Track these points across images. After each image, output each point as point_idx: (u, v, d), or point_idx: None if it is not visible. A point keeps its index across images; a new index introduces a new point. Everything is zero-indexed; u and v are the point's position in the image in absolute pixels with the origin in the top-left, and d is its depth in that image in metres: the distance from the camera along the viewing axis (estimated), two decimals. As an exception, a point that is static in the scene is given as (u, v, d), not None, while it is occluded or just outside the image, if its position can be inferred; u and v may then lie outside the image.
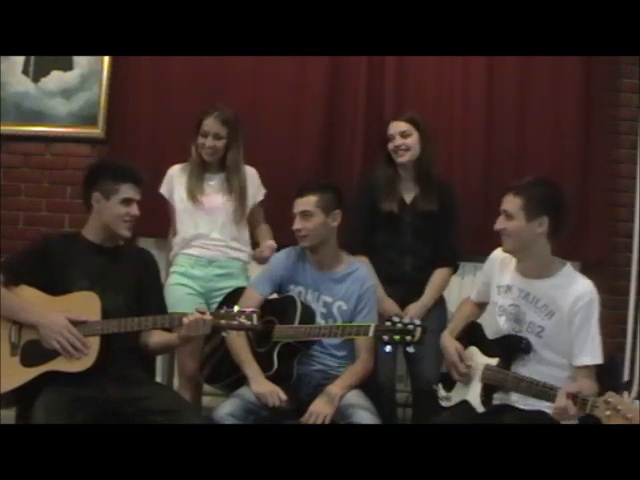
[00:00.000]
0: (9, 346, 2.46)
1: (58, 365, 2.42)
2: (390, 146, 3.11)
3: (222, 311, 2.46)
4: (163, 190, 3.19)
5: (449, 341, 2.56)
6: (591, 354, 2.30)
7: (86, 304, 2.47)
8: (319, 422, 2.55)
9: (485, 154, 3.62)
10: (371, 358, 2.74)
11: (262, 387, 2.61)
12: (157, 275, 2.71)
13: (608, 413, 1.98)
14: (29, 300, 2.49)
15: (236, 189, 3.10)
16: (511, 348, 2.42)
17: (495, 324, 2.51)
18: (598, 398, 2.05)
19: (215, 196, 3.12)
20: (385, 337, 2.43)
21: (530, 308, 2.40)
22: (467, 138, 3.62)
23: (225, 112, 3.09)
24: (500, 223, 2.40)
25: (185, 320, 2.41)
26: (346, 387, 2.66)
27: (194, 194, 3.09)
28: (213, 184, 3.12)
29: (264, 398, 2.59)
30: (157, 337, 2.55)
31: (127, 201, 2.56)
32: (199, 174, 3.11)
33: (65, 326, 2.42)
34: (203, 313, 2.43)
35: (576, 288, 2.34)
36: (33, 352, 2.44)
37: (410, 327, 2.41)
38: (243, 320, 2.41)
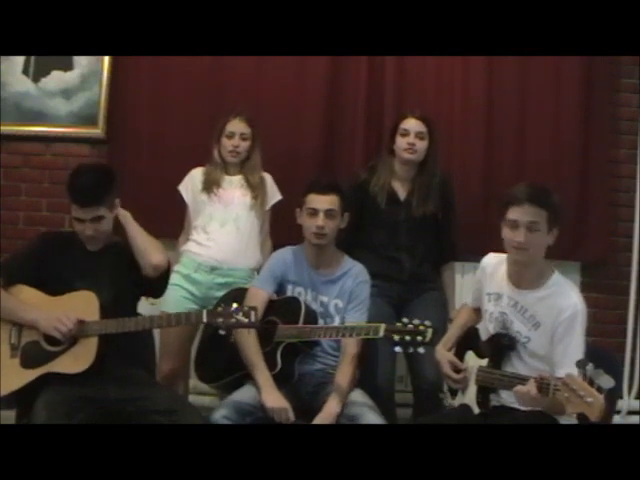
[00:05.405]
0: (9, 348, 2.46)
1: (57, 366, 2.42)
2: (401, 141, 3.11)
3: (219, 309, 2.43)
4: (182, 188, 3.22)
5: (441, 354, 2.55)
6: (569, 367, 2.20)
7: (84, 304, 2.47)
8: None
9: (485, 154, 3.62)
10: (356, 347, 2.70)
11: (273, 401, 2.57)
12: None
13: (567, 395, 1.97)
14: (28, 300, 2.49)
15: (254, 186, 3.13)
16: (497, 346, 2.43)
17: (486, 330, 2.51)
18: (558, 380, 2.04)
19: (232, 190, 3.15)
20: (396, 337, 2.43)
21: (517, 317, 2.39)
22: (467, 138, 3.62)
23: (248, 113, 3.17)
24: (522, 236, 2.29)
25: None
26: (344, 397, 2.63)
27: (210, 187, 3.13)
28: (231, 181, 3.16)
29: (272, 413, 2.56)
30: None
31: (77, 220, 2.52)
32: (219, 172, 3.15)
33: (64, 313, 2.41)
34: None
35: (560, 301, 2.31)
36: (33, 353, 2.45)
37: (421, 328, 2.42)
38: (241, 317, 2.38)
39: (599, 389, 1.91)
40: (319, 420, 2.57)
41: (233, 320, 2.39)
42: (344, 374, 2.68)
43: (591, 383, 1.92)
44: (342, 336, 2.63)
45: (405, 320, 2.45)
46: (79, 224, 2.53)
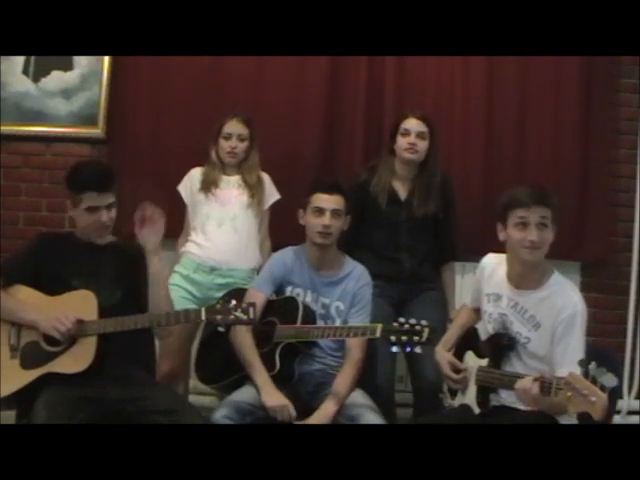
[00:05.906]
0: (9, 348, 2.46)
1: (57, 367, 2.41)
2: (402, 141, 3.12)
3: (218, 306, 2.43)
4: (181, 188, 3.23)
5: (441, 354, 2.55)
6: (569, 367, 2.18)
7: (83, 303, 2.46)
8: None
9: (485, 154, 3.62)
10: (361, 352, 2.71)
11: (273, 400, 2.57)
12: None
13: (569, 394, 1.95)
14: (26, 300, 2.49)
15: (251, 185, 3.14)
16: (496, 346, 2.43)
17: (486, 330, 2.51)
18: (560, 380, 2.03)
19: (230, 190, 3.16)
20: (392, 338, 2.43)
21: (517, 318, 2.39)
22: (467, 138, 3.62)
23: (245, 114, 3.18)
24: (535, 235, 2.31)
25: None
26: (342, 399, 2.63)
27: (208, 187, 3.14)
28: (229, 181, 3.17)
29: (273, 412, 2.56)
30: None
31: (92, 209, 2.49)
32: (217, 172, 3.16)
33: (63, 313, 2.41)
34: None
35: (560, 301, 2.32)
36: (32, 354, 2.44)
37: (418, 328, 2.41)
38: (239, 314, 2.38)
39: (602, 388, 1.90)
40: (314, 419, 2.57)
41: (232, 317, 2.38)
42: (346, 377, 2.67)
43: (594, 382, 1.91)
44: (340, 336, 2.63)
45: (401, 320, 2.45)
46: (92, 214, 2.49)
